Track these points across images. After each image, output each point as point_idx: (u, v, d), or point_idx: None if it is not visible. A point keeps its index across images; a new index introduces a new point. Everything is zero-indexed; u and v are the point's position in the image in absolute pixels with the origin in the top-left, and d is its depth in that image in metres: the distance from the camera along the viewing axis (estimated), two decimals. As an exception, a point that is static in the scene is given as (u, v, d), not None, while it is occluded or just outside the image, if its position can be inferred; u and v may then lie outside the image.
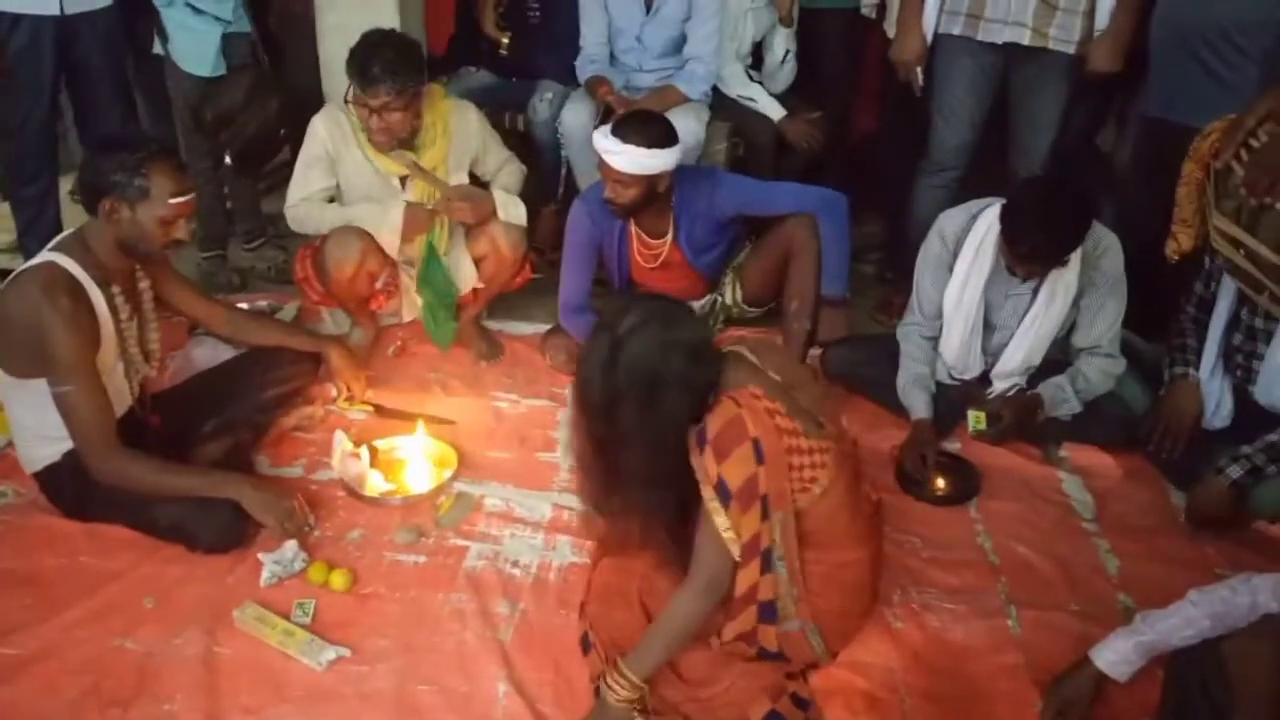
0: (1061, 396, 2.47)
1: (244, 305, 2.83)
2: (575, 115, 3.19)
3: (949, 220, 2.51)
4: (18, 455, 2.23)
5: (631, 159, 2.51)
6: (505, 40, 3.40)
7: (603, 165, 2.56)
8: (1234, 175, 2.14)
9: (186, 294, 2.39)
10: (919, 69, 2.91)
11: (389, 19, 2.92)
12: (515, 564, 2.17)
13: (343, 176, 2.74)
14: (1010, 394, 2.54)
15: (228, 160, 3.17)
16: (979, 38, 2.79)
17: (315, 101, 2.99)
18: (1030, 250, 2.30)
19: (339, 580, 2.06)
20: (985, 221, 2.44)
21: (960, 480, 2.42)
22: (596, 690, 1.79)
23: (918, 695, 1.87)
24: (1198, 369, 2.41)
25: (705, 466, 1.66)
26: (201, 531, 2.10)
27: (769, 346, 1.84)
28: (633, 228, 2.76)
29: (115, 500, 2.11)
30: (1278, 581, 1.64)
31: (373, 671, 1.89)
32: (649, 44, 3.26)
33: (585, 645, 1.91)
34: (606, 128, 2.56)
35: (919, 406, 2.51)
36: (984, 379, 2.60)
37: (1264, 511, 2.25)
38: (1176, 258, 2.39)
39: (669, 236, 2.77)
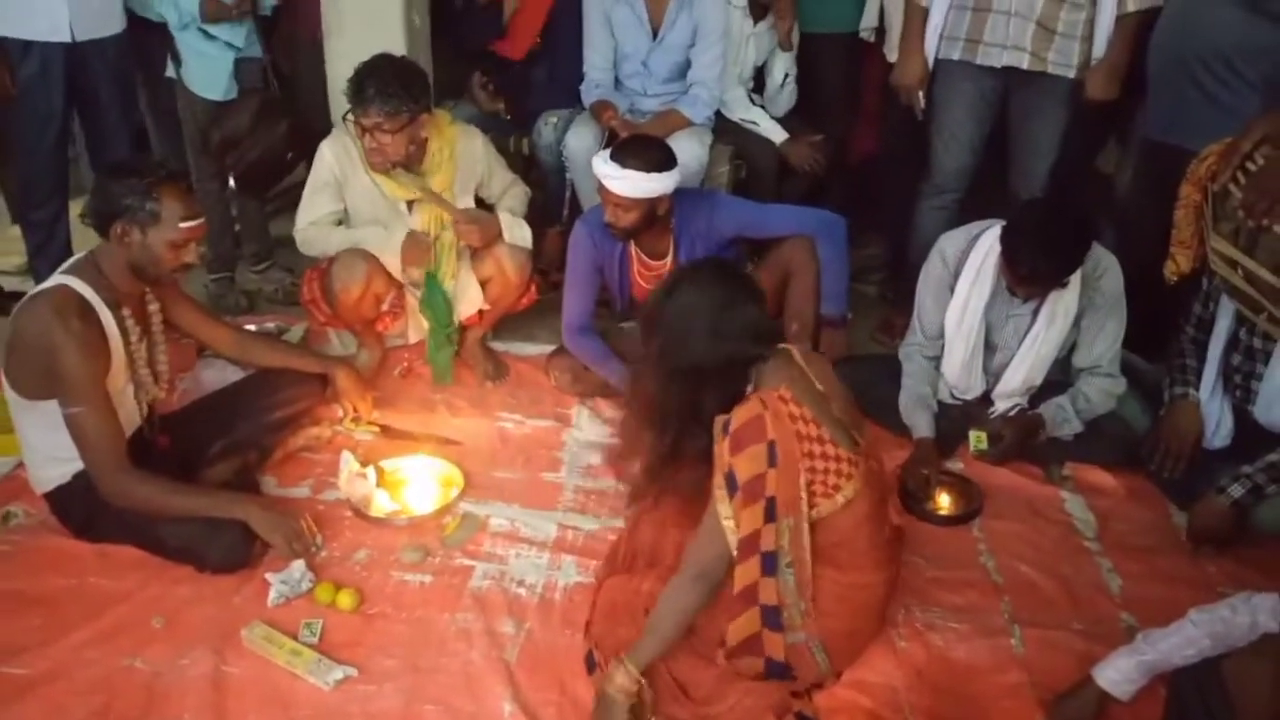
0: (1063, 416, 2.49)
1: (251, 327, 2.87)
2: (579, 139, 3.23)
3: (949, 242, 2.54)
4: (28, 476, 2.26)
5: (631, 183, 2.54)
6: (501, 106, 3.44)
7: (602, 189, 2.59)
8: (1232, 198, 2.16)
9: (195, 316, 2.42)
10: (921, 93, 2.95)
11: (396, 45, 2.97)
12: (521, 584, 2.18)
13: (350, 201, 2.78)
14: (1012, 414, 2.56)
15: (233, 183, 3.21)
16: (978, 62, 2.83)
17: (323, 126, 3.02)
18: (1030, 272, 2.33)
19: (346, 600, 2.08)
20: (986, 243, 2.46)
21: (963, 500, 2.44)
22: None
23: (921, 714, 1.88)
24: (1198, 389, 2.42)
25: (721, 454, 1.70)
26: (210, 552, 2.11)
27: (819, 360, 1.89)
28: (633, 250, 2.79)
29: (124, 521, 2.13)
30: (1278, 601, 1.66)
31: (380, 691, 1.90)
32: (654, 69, 3.30)
33: (590, 664, 1.92)
34: (606, 153, 2.60)
35: (921, 426, 2.52)
36: (986, 399, 2.63)
37: (1265, 530, 2.26)
38: (1175, 279, 2.41)
39: (669, 258, 2.79)
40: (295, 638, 1.99)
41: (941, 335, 2.58)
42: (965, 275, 2.49)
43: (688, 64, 3.30)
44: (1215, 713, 1.55)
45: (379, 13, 3.04)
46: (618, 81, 3.36)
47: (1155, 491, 2.51)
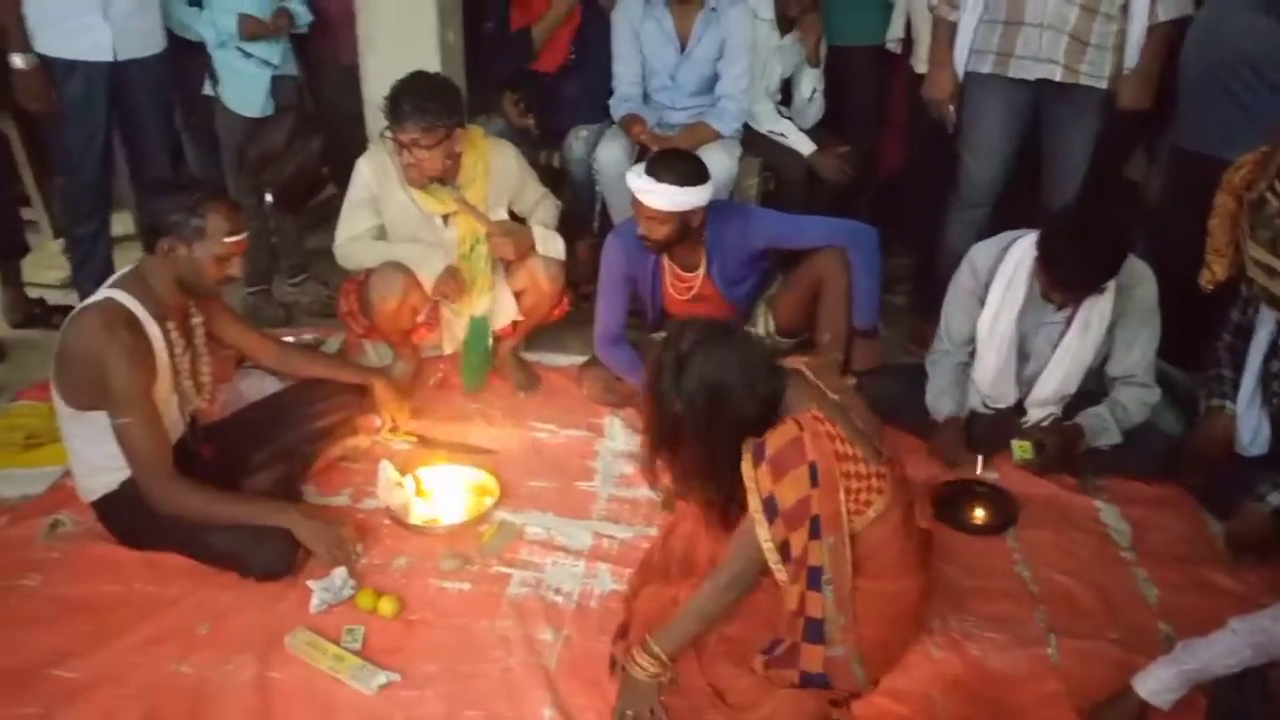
0: (1101, 426, 2.49)
1: (289, 339, 2.91)
2: (609, 152, 3.27)
3: (980, 252, 2.55)
4: (75, 485, 2.30)
5: (665, 197, 2.56)
6: (531, 122, 3.48)
7: (636, 203, 2.62)
8: (1269, 205, 2.16)
9: (237, 328, 2.47)
10: (951, 106, 2.96)
11: (430, 62, 3.01)
12: (558, 591, 2.20)
13: (387, 216, 2.83)
14: (1047, 423, 2.56)
15: (269, 198, 3.27)
16: (1010, 75, 2.83)
17: (356, 143, 3.08)
18: (1067, 276, 2.33)
19: (387, 607, 2.10)
20: (1017, 253, 2.47)
21: (998, 510, 2.44)
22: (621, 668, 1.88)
23: (958, 723, 1.88)
24: (1234, 400, 2.42)
25: (758, 480, 1.71)
26: (254, 559, 2.15)
27: (828, 368, 1.90)
28: (666, 261, 2.82)
29: (170, 528, 2.17)
30: (1320, 609, 1.65)
31: (422, 696, 1.92)
32: (682, 83, 3.34)
33: (614, 668, 1.94)
34: (640, 167, 2.62)
35: (947, 407, 2.55)
36: (1019, 407, 2.63)
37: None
38: (1211, 287, 2.41)
39: (701, 270, 2.82)
40: (338, 644, 2.01)
41: (969, 342, 2.59)
42: (997, 284, 2.49)
43: (715, 77, 3.34)
44: (1258, 722, 1.55)
45: (414, 31, 3.09)
46: (646, 95, 3.40)
47: (1191, 501, 2.50)
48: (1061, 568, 2.28)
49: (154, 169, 3.12)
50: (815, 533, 1.71)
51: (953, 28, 2.90)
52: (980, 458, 2.57)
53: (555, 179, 3.41)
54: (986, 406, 2.63)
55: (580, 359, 3.08)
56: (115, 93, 2.98)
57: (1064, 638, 2.07)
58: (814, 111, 3.60)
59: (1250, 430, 2.40)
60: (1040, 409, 2.58)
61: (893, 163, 3.72)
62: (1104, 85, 2.78)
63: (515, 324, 2.96)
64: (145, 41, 3.00)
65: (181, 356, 2.23)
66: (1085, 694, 1.90)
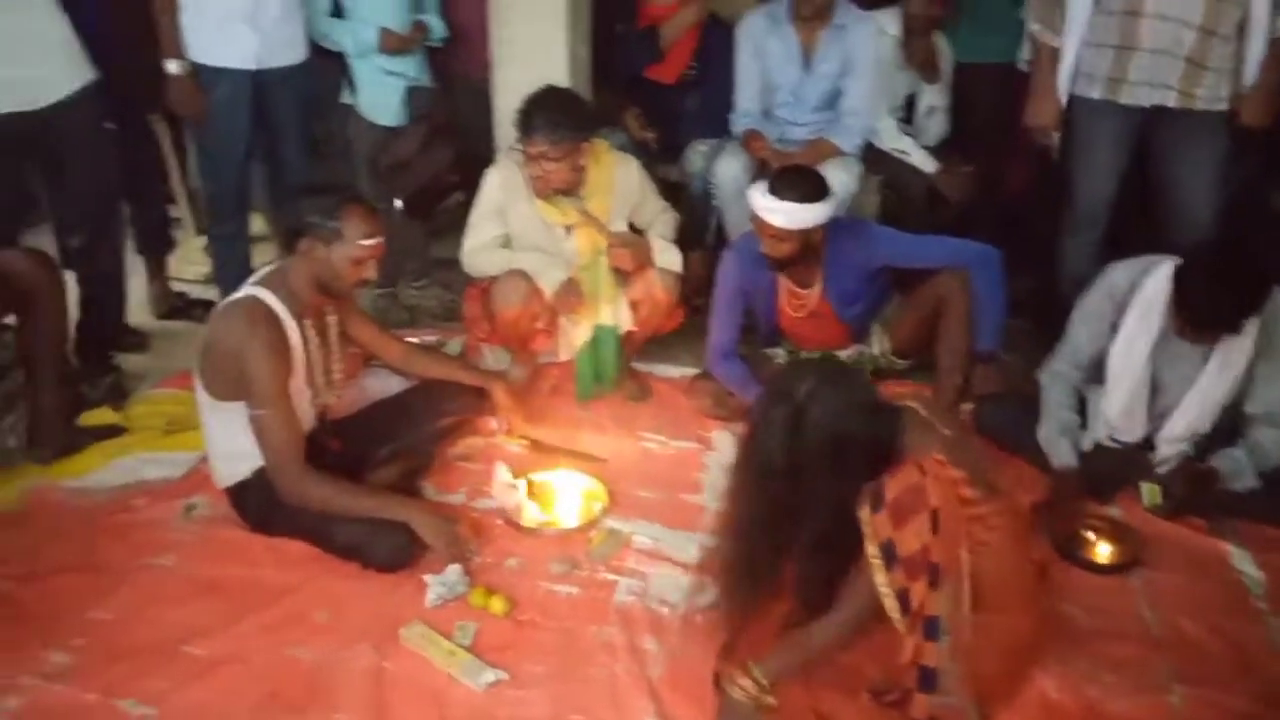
0: (1237, 469, 2.37)
1: (413, 340, 3.00)
2: (728, 168, 3.28)
3: (1118, 274, 2.45)
4: (211, 471, 2.42)
5: (787, 215, 2.56)
6: (652, 136, 3.52)
7: (759, 222, 2.62)
8: None
9: (367, 328, 2.57)
10: (1055, 133, 2.88)
11: (559, 76, 3.09)
12: (663, 602, 2.21)
13: (512, 225, 2.90)
14: (1179, 462, 2.45)
15: (398, 204, 3.39)
16: (1121, 101, 2.74)
17: (486, 153, 3.16)
18: (1203, 317, 2.23)
19: (498, 605, 2.15)
20: (1156, 280, 2.37)
21: (1122, 549, 2.34)
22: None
23: (1075, 767, 1.82)
24: None
25: (875, 525, 1.67)
26: (375, 551, 2.23)
27: (940, 406, 1.86)
28: (782, 278, 2.81)
29: (297, 517, 2.27)
30: None
31: (528, 696, 1.96)
32: (804, 98, 3.33)
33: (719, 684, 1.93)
34: (762, 185, 2.62)
35: (1063, 453, 2.46)
36: (1147, 442, 2.52)
37: None
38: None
39: (818, 287, 2.80)
40: (450, 638, 2.07)
41: (1090, 366, 2.50)
42: (1133, 311, 2.40)
43: (838, 93, 3.32)
44: None
45: (545, 46, 3.17)
46: (767, 111, 3.39)
47: (1334, 550, 2.36)
48: (1188, 613, 2.18)
49: (292, 174, 3.26)
50: (934, 583, 1.67)
51: (1055, 53, 2.83)
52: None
53: (672, 193, 3.44)
54: (1113, 440, 2.53)
55: (690, 371, 3.09)
56: (258, 99, 3.12)
57: (1188, 686, 1.98)
58: (936, 128, 3.55)
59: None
60: (1171, 446, 2.47)
61: (1018, 184, 3.63)
62: (1223, 107, 2.66)
63: (629, 334, 3.00)
64: (289, 51, 3.13)
65: (316, 353, 2.33)
66: (1210, 746, 1.82)
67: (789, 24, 3.28)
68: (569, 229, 2.89)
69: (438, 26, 3.35)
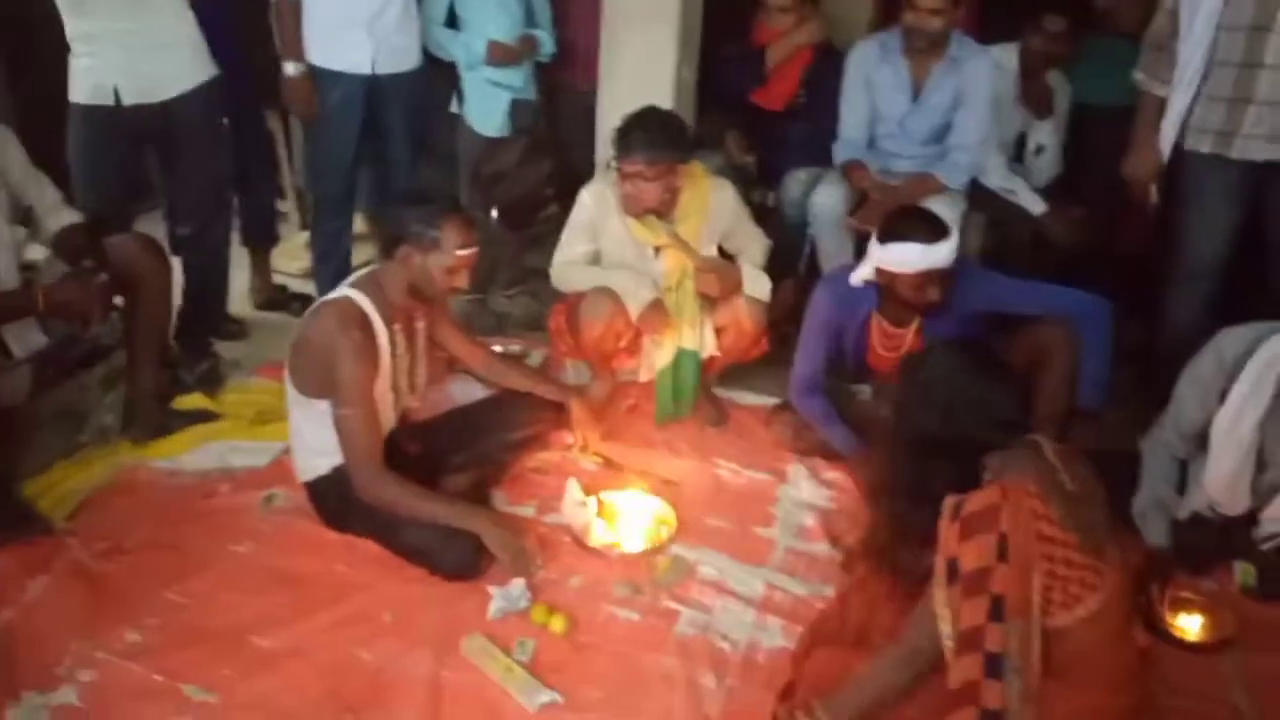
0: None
1: (498, 347, 3.04)
2: (827, 197, 3.22)
3: (1229, 340, 2.32)
4: (293, 463, 2.48)
5: (943, 254, 2.49)
6: (751, 160, 3.50)
7: (912, 276, 2.51)
8: None
9: (455, 335, 2.61)
10: (1153, 185, 2.78)
11: (664, 98, 3.09)
12: (725, 637, 2.17)
13: (602, 243, 2.91)
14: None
15: (495, 214, 3.43)
16: (1233, 155, 2.61)
17: (586, 169, 3.18)
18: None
19: (559, 624, 2.14)
20: (1270, 348, 2.23)
21: (1215, 626, 2.21)
22: None
23: None
24: None
25: (947, 536, 1.64)
26: (444, 558, 2.25)
27: (1077, 457, 1.78)
28: (876, 316, 2.74)
29: (370, 517, 2.30)
30: None
31: (581, 721, 1.94)
32: (911, 131, 3.25)
33: None
34: (919, 245, 2.47)
35: (1155, 533, 2.34)
36: (1250, 516, 2.38)
37: None
38: None
39: (913, 326, 2.73)
40: (509, 653, 2.07)
41: (1195, 436, 2.37)
42: (1243, 380, 2.26)
43: (946, 127, 3.23)
44: None
45: (652, 67, 3.18)
46: (872, 141, 3.33)
47: None
48: (1287, 703, 2.05)
49: (399, 178, 3.34)
50: (998, 614, 1.59)
51: (1161, 103, 2.72)
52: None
53: (765, 218, 3.40)
54: (1213, 511, 2.39)
55: (771, 400, 3.05)
56: (371, 104, 3.19)
57: (1282, 782, 1.86)
58: (1045, 168, 3.43)
59: None
60: (1275, 524, 2.32)
61: (1134, 234, 3.47)
62: None
63: (712, 359, 2.96)
64: (402, 58, 3.20)
65: (402, 357, 2.37)
66: None
67: (901, 55, 3.21)
68: (658, 250, 2.88)
69: (547, 42, 3.39)
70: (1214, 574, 2.38)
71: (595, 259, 2.92)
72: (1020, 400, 1.85)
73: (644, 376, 3.02)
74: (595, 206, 2.88)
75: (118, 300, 2.59)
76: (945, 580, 1.63)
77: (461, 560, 2.24)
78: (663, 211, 2.80)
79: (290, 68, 3.11)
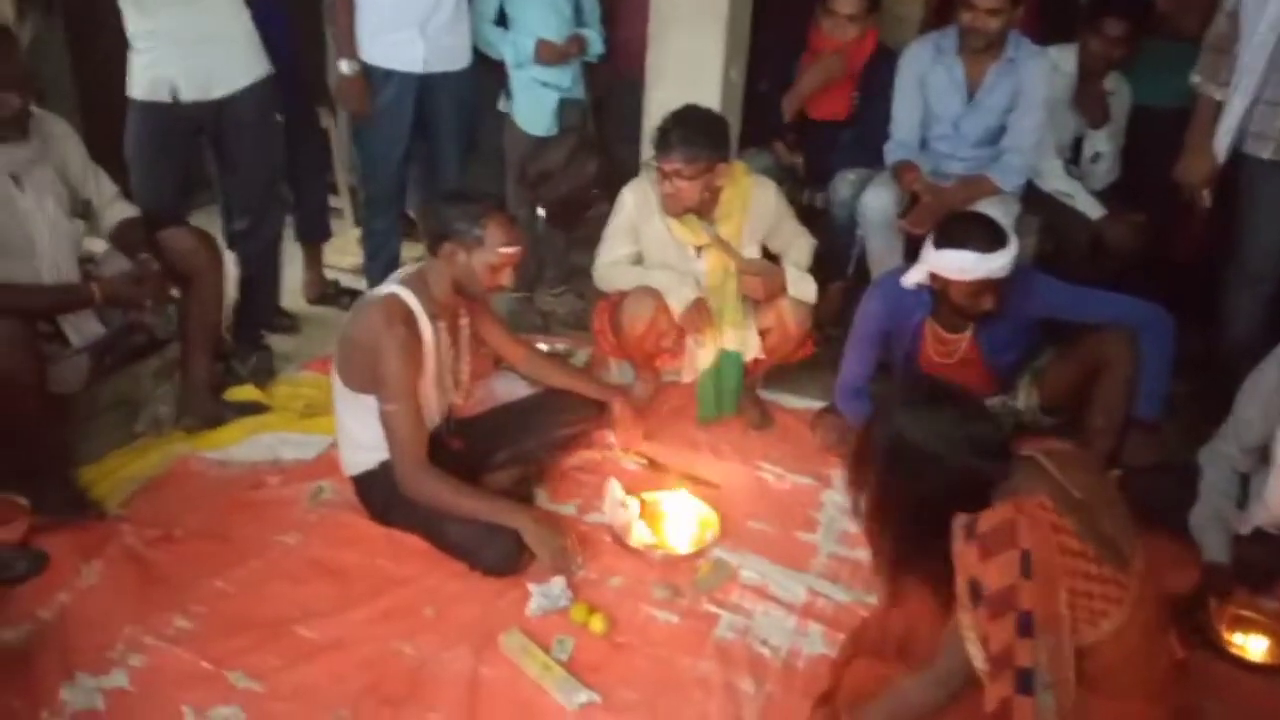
0: None
1: (543, 345, 3.05)
2: (877, 198, 3.18)
3: (1293, 351, 2.26)
4: (340, 457, 2.50)
5: (1001, 264, 2.45)
6: (800, 160, 3.46)
7: (967, 284, 2.48)
8: None
9: (499, 332, 2.62)
10: (1205, 190, 2.73)
11: (711, 98, 3.08)
12: (765, 643, 2.15)
13: (644, 243, 2.90)
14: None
15: (541, 212, 3.44)
16: None
17: (633, 168, 3.17)
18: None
19: (598, 624, 2.14)
20: (1337, 359, 2.17)
21: (1278, 645, 2.14)
22: None
23: None
24: None
25: (965, 558, 1.58)
26: (485, 554, 2.26)
27: (1076, 460, 1.71)
28: (930, 321, 2.70)
29: (415, 512, 2.32)
30: None
31: (618, 722, 1.94)
32: (965, 132, 3.20)
33: None
34: (975, 254, 2.45)
35: (1213, 547, 2.27)
36: (1314, 533, 2.30)
37: None
38: None
39: (968, 333, 2.68)
40: (548, 651, 2.07)
41: (1257, 449, 2.29)
42: (1308, 392, 2.20)
43: (1001, 129, 3.17)
44: None
45: (700, 67, 3.16)
46: (925, 142, 3.28)
47: None
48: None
49: (447, 176, 3.36)
50: (1026, 630, 1.54)
51: (1217, 107, 2.65)
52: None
53: (812, 218, 3.36)
54: (1276, 526, 2.32)
55: (816, 403, 3.02)
56: (422, 102, 3.21)
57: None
58: (1103, 173, 3.35)
59: None
60: (1341, 541, 2.25)
61: (1194, 241, 3.37)
62: None
63: (756, 361, 2.94)
64: (454, 56, 3.22)
65: (447, 353, 2.38)
66: None
67: (955, 55, 3.15)
68: (699, 249, 2.86)
69: (595, 41, 3.39)
70: (1275, 592, 2.30)
71: (637, 260, 2.92)
72: (990, 417, 1.77)
73: (687, 377, 3.00)
74: (636, 206, 2.87)
75: (173, 293, 2.64)
76: (970, 603, 1.58)
77: (502, 557, 2.25)
78: (703, 211, 2.78)
79: (345, 66, 3.14)
